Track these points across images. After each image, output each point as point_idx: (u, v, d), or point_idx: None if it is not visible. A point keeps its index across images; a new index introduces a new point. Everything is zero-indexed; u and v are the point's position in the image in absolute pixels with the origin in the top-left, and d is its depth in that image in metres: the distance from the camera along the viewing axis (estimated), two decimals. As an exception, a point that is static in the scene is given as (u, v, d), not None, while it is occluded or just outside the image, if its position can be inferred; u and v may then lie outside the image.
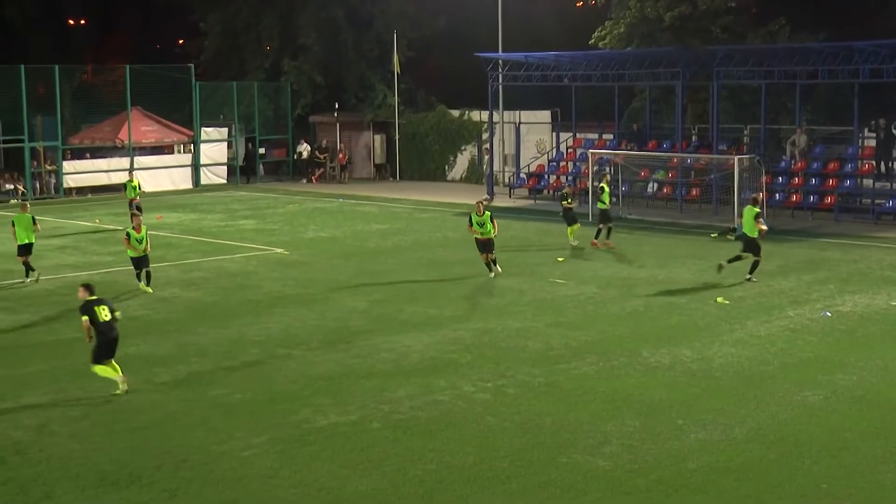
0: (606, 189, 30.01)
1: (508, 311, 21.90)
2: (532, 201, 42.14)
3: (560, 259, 27.86)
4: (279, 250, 30.37)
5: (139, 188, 37.66)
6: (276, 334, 20.16)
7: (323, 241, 32.40)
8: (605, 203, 29.80)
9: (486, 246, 25.21)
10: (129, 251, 24.56)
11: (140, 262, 24.49)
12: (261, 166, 52.95)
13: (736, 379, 16.79)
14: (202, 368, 17.79)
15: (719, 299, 22.58)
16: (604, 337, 19.58)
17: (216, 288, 24.93)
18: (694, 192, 38.73)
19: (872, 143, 36.49)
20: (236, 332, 20.31)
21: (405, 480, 12.69)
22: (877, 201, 35.65)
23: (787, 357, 18.06)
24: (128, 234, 24.39)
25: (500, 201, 42.08)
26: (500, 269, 25.38)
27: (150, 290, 24.16)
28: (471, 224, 25.20)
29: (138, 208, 37.34)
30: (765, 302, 22.43)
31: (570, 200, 30.04)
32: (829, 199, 36.12)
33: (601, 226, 29.81)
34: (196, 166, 50.11)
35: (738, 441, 13.89)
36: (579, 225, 29.88)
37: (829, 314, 21.10)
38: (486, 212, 25.11)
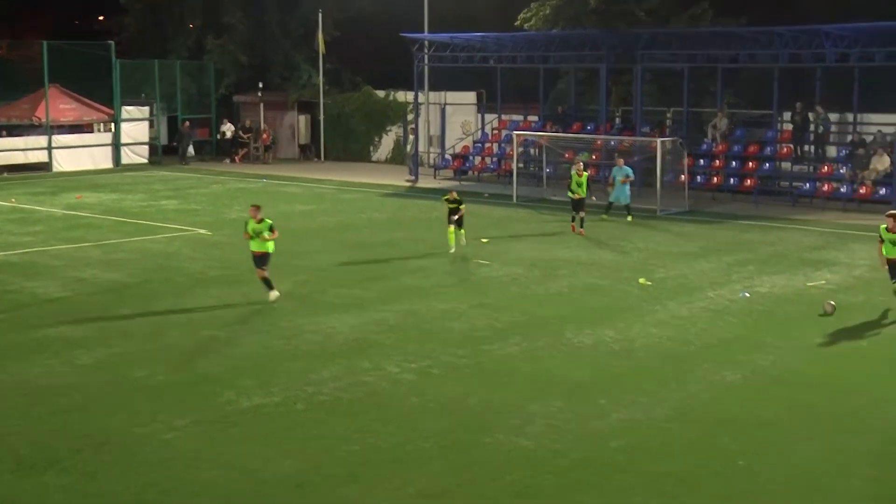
0: (575, 178, 29.53)
1: (433, 292, 21.93)
2: (457, 183, 42.13)
3: (484, 240, 27.93)
4: (202, 231, 30.04)
5: None
6: (199, 315, 19.96)
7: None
8: (574, 192, 29.32)
9: (260, 260, 21.00)
10: None
11: None
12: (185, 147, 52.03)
13: (658, 359, 17.02)
14: (124, 350, 17.55)
15: (641, 280, 22.83)
16: (528, 318, 19.70)
17: (138, 269, 24.58)
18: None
19: (791, 126, 37.14)
20: (159, 314, 20.08)
21: (329, 461, 12.66)
22: (794, 184, 36.35)
23: (707, 337, 18.35)
24: None
25: (425, 182, 42.12)
26: (277, 292, 20.99)
27: None
28: (246, 230, 21.13)
29: None
30: (686, 283, 22.74)
31: (454, 202, 26.83)
32: (749, 182, 36.69)
33: (583, 213, 29.44)
34: (117, 145, 49.31)
35: (659, 420, 14.07)
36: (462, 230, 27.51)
37: (747, 295, 21.46)
38: (266, 219, 20.86)
